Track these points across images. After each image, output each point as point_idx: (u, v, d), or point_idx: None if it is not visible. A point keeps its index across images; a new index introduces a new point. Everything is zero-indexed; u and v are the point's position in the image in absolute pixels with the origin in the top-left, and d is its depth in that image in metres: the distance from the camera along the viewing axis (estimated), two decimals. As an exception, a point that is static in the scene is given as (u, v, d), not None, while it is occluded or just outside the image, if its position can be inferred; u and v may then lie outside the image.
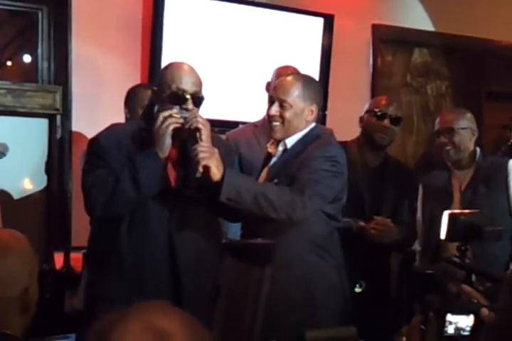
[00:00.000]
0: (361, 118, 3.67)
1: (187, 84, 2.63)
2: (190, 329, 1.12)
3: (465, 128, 3.53)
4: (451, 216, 3.15)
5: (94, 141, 2.70)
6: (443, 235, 3.19)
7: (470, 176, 3.55)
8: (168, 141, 2.56)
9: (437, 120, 3.64)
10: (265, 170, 3.00)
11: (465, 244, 2.96)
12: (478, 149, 3.58)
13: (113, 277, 2.64)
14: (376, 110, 3.59)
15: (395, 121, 3.60)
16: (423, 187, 3.73)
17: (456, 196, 3.57)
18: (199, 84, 2.68)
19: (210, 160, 2.53)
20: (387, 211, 3.49)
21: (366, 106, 3.67)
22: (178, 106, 2.61)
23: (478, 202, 3.44)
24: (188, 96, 2.62)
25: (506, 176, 3.48)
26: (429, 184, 3.70)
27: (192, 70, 2.70)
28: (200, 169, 2.52)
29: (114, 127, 2.78)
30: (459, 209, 3.45)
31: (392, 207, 3.55)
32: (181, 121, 2.57)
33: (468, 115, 3.63)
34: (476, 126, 3.60)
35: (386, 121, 3.57)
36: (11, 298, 1.75)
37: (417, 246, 3.85)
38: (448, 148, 3.56)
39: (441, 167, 3.67)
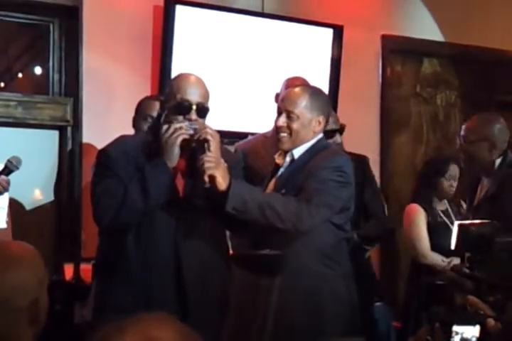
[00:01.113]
0: None
1: (192, 95, 2.64)
2: (187, 340, 1.12)
3: (476, 140, 3.44)
4: (461, 226, 3.14)
5: (102, 153, 2.72)
6: (453, 246, 3.18)
7: (485, 190, 3.50)
8: (176, 151, 2.58)
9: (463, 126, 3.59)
10: (273, 181, 3.00)
11: (475, 255, 2.95)
12: (497, 160, 3.46)
13: (120, 287, 2.64)
14: None
15: None
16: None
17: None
18: (205, 95, 2.69)
19: (216, 170, 2.54)
20: None
21: None
22: (181, 116, 2.63)
23: (486, 214, 3.41)
24: (192, 107, 2.63)
25: None
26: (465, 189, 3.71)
27: (199, 81, 2.72)
28: (206, 179, 2.53)
29: (122, 138, 2.79)
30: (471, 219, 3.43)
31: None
32: (190, 132, 2.59)
33: (491, 125, 3.48)
34: (503, 136, 3.46)
35: None
36: (20, 309, 1.75)
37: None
38: (461, 155, 3.57)
39: (473, 173, 3.65)
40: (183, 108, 2.64)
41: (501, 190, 3.40)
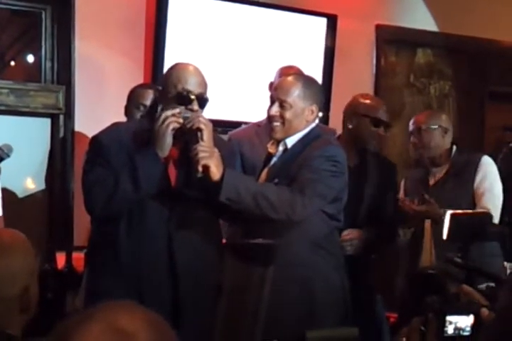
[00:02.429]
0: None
1: (193, 85, 2.63)
2: (154, 328, 1.10)
3: (434, 127, 3.62)
4: (453, 216, 3.15)
5: (95, 140, 2.70)
6: (445, 235, 3.19)
7: (443, 172, 3.63)
8: (168, 140, 2.56)
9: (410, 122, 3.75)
10: (265, 170, 2.99)
11: (467, 244, 2.96)
12: (454, 147, 3.65)
13: (111, 276, 2.63)
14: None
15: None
16: (404, 186, 3.80)
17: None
18: (204, 85, 2.68)
19: (210, 160, 2.52)
20: (364, 212, 3.52)
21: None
22: (183, 107, 2.61)
23: (444, 196, 3.47)
24: (193, 97, 2.61)
25: (475, 170, 3.53)
26: (409, 183, 3.77)
27: (197, 71, 2.70)
28: (200, 168, 2.52)
29: (115, 126, 2.77)
30: None
31: (372, 204, 3.55)
32: (181, 120, 2.56)
33: (439, 115, 3.81)
34: (450, 125, 3.69)
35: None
36: (11, 298, 1.75)
37: None
38: (419, 147, 3.64)
39: (419, 165, 3.78)
40: (184, 98, 2.61)
41: (466, 168, 3.56)
